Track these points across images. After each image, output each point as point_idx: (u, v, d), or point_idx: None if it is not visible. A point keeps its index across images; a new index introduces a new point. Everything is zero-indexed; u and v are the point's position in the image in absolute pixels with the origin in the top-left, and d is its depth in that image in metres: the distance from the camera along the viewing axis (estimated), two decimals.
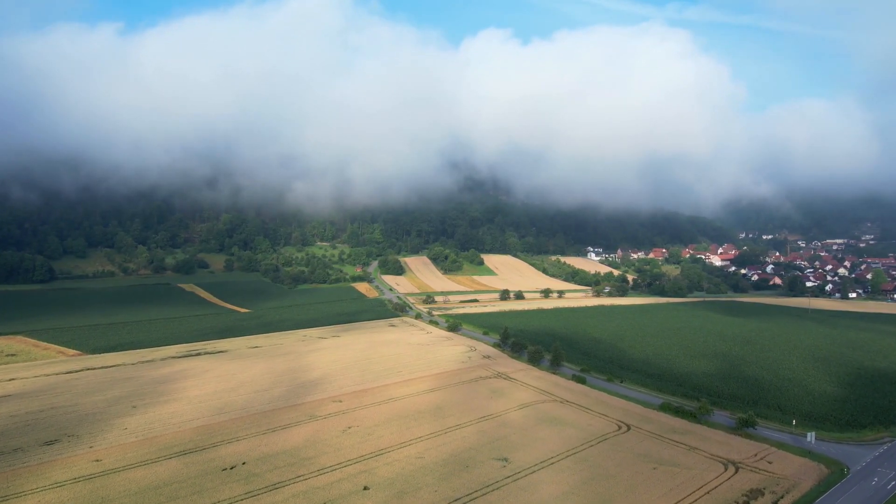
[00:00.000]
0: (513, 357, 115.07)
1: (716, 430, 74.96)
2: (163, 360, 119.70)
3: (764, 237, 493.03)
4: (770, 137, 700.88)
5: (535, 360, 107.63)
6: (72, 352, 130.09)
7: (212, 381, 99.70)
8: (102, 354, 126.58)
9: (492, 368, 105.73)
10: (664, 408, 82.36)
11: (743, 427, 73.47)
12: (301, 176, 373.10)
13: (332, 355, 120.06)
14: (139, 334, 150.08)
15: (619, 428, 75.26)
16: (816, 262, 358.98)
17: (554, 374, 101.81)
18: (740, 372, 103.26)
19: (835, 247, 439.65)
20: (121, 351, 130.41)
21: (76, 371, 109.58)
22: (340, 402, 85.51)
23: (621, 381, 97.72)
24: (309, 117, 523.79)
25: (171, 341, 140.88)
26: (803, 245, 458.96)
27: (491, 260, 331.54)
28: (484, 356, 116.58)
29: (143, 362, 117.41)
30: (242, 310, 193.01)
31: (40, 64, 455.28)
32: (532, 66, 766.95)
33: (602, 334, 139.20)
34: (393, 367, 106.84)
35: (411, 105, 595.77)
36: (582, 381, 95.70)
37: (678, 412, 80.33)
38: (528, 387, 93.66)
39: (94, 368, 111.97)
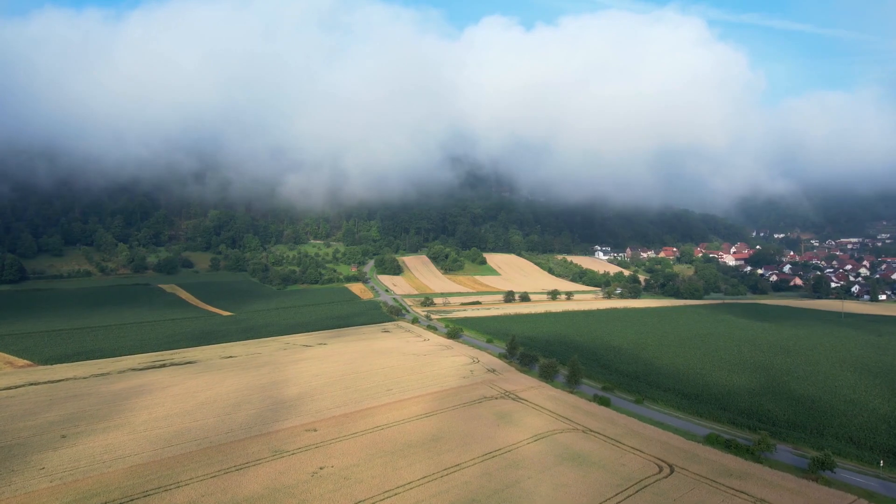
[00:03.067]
0: (522, 371, 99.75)
1: (782, 472, 59.63)
2: (120, 373, 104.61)
3: (775, 235, 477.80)
4: (784, 131, 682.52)
5: (548, 376, 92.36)
6: (22, 362, 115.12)
7: (168, 400, 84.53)
8: (54, 366, 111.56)
9: (498, 386, 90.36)
10: (711, 440, 66.97)
11: (818, 469, 58.10)
12: (293, 169, 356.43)
13: (314, 368, 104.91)
14: (104, 341, 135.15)
15: (660, 469, 59.95)
16: (834, 262, 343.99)
17: (571, 392, 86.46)
18: (789, 390, 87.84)
19: (849, 246, 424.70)
20: (77, 361, 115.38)
21: (17, 387, 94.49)
22: (315, 430, 70.25)
23: (644, 401, 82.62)
24: (299, 106, 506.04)
25: (137, 349, 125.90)
26: (817, 244, 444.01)
27: (494, 259, 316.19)
28: (488, 369, 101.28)
29: (97, 376, 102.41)
30: (225, 313, 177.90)
31: (15, 50, 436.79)
32: (536, 53, 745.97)
33: (621, 342, 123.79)
34: (382, 384, 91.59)
35: (409, 94, 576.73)
36: (605, 402, 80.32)
37: (730, 447, 64.95)
38: (541, 410, 78.26)
39: (39, 384, 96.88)
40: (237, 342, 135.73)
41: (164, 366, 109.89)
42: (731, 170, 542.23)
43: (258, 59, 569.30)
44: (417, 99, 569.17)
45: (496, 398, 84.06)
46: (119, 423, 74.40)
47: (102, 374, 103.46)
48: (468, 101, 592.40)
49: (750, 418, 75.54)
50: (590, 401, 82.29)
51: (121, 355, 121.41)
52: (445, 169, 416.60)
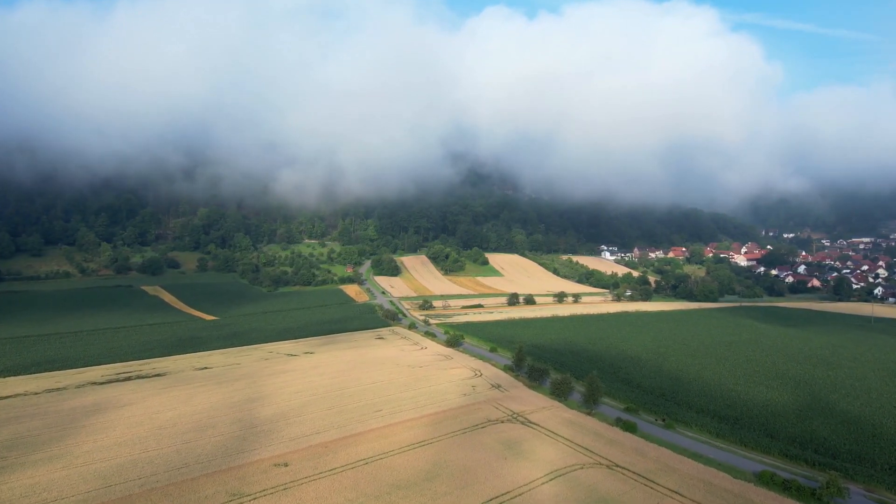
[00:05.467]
0: (530, 387, 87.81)
1: None
2: (78, 387, 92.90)
3: (785, 235, 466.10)
4: (798, 127, 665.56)
5: (561, 394, 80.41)
6: None
7: (122, 423, 72.82)
8: (7, 379, 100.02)
9: (504, 405, 78.45)
10: (765, 480, 55.05)
11: None
12: (286, 165, 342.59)
13: (296, 383, 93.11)
14: (71, 349, 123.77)
15: None
16: (848, 262, 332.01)
17: (589, 415, 74.54)
18: (842, 411, 75.90)
19: (861, 245, 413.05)
20: (35, 373, 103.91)
21: None
22: (286, 465, 58.41)
23: (675, 425, 70.88)
24: (292, 98, 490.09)
25: (105, 359, 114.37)
26: (828, 244, 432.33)
27: (496, 259, 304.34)
28: (492, 385, 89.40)
29: (51, 391, 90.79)
30: (209, 317, 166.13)
31: None
32: (540, 44, 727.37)
33: (638, 351, 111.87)
34: (371, 403, 79.76)
35: (407, 87, 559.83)
36: (631, 428, 68.39)
37: (790, 489, 53.05)
38: (556, 438, 66.33)
39: None
40: (217, 350, 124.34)
41: (129, 379, 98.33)
42: (743, 166, 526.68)
43: (248, 49, 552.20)
44: (416, 92, 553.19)
45: (502, 421, 72.18)
46: (57, 453, 62.71)
47: (58, 390, 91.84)
48: (469, 94, 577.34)
49: (804, 448, 63.65)
50: (612, 425, 70.39)
51: (86, 366, 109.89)
52: (446, 165, 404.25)
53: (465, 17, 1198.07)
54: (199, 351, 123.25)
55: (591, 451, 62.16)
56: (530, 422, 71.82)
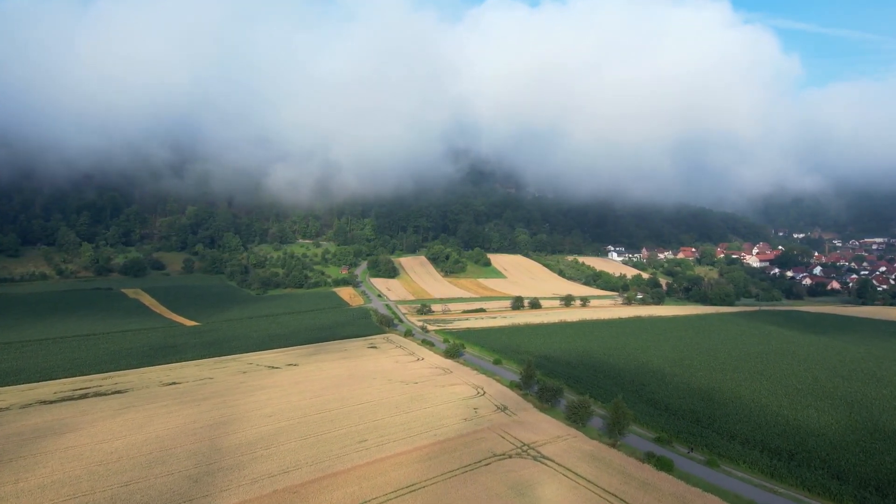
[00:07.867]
0: (541, 409, 75.88)
1: None
2: (23, 407, 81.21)
3: (794, 235, 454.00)
4: (811, 123, 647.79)
5: (579, 419, 68.59)
6: None
7: (58, 455, 61.23)
8: None
9: (511, 434, 66.49)
10: None
11: None
12: (279, 161, 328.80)
13: (273, 403, 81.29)
14: (31, 359, 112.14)
15: None
16: (864, 263, 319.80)
17: (613, 447, 62.49)
18: None
19: (875, 246, 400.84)
20: None
21: None
22: None
23: (716, 462, 59.07)
24: (284, 91, 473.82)
25: (64, 372, 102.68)
26: (839, 244, 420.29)
27: (499, 260, 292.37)
28: (497, 406, 77.50)
29: None
30: (190, 322, 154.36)
31: None
32: (544, 34, 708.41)
33: (661, 364, 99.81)
34: (355, 431, 67.91)
35: (406, 80, 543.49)
36: (667, 466, 56.48)
37: None
38: (577, 481, 54.34)
39: None
40: (191, 361, 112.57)
41: (84, 396, 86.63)
42: (756, 163, 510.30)
43: (237, 39, 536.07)
44: (415, 84, 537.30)
45: (510, 456, 60.21)
46: None
47: (1, 410, 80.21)
48: (470, 87, 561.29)
49: (884, 496, 51.73)
50: (642, 461, 58.43)
51: (42, 380, 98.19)
52: (446, 162, 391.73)
53: (466, 5, 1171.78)
54: (172, 362, 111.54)
55: (620, 500, 50.20)
56: (543, 456, 59.92)
